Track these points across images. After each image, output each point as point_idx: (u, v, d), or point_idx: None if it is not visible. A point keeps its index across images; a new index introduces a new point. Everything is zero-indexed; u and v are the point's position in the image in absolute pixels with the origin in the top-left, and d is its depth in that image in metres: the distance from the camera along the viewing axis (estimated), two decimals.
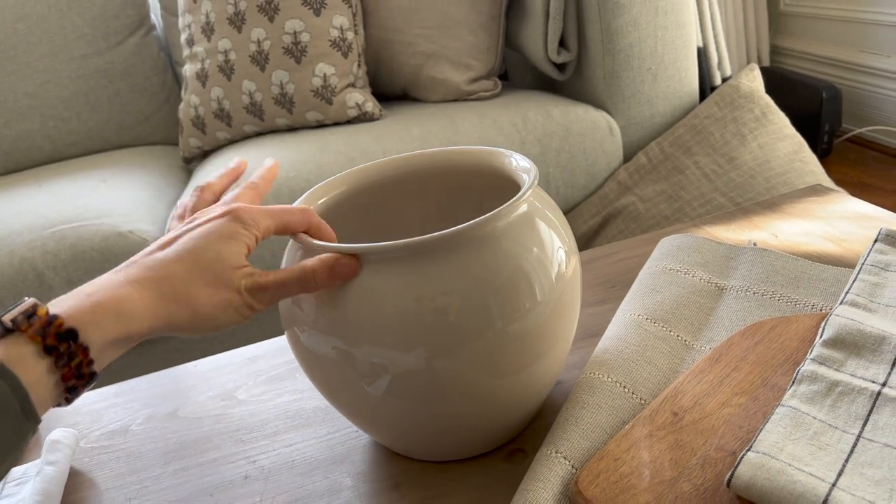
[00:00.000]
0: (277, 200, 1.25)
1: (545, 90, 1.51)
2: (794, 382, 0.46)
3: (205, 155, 1.56)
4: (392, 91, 1.57)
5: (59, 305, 0.35)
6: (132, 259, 0.41)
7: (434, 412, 0.44)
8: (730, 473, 0.39)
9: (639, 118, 1.35)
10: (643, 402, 0.49)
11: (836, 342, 0.48)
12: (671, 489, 0.41)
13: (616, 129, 1.34)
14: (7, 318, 0.33)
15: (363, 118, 1.42)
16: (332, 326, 0.43)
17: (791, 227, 0.73)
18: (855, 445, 0.41)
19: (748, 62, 2.41)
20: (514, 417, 0.48)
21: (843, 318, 0.49)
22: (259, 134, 1.49)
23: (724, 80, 1.50)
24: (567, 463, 0.44)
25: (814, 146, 2.01)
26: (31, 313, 0.34)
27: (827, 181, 1.16)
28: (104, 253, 1.18)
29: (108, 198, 1.32)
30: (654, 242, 0.75)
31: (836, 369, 0.46)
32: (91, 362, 0.35)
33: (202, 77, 1.46)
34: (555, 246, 0.45)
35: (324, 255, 0.42)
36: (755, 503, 0.38)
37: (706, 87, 1.43)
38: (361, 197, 0.56)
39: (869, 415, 0.42)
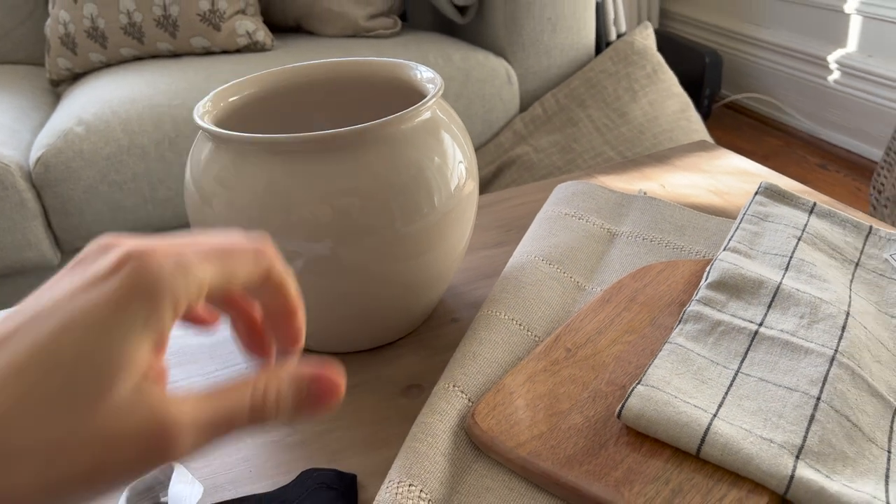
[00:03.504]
0: (159, 130, 1.17)
1: (445, 33, 1.49)
2: (680, 322, 0.48)
3: (75, 77, 1.44)
4: (285, 22, 1.50)
5: None
6: None
7: (340, 293, 0.48)
8: (620, 405, 0.41)
9: (536, 68, 1.36)
10: (538, 339, 0.50)
11: (719, 285, 0.50)
12: (564, 420, 0.42)
13: (514, 78, 1.34)
14: None
15: (254, 48, 1.35)
16: (246, 222, 0.45)
17: (678, 180, 0.76)
18: (734, 379, 0.43)
19: (639, 23, 2.48)
20: (412, 306, 0.52)
21: (726, 263, 0.52)
22: (138, 58, 1.39)
23: (619, 36, 1.54)
24: (464, 396, 0.44)
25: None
26: None
27: (709, 139, 1.22)
28: None
29: None
30: (548, 189, 0.76)
31: (718, 310, 0.48)
32: None
33: None
34: (456, 159, 0.49)
35: (293, 371, 0.26)
36: (643, 433, 0.40)
37: (602, 42, 1.46)
38: (272, 102, 0.57)
39: (747, 352, 0.45)
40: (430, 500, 0.38)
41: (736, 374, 0.43)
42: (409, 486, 0.38)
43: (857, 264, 0.56)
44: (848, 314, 0.48)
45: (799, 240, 0.56)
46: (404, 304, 0.52)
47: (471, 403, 0.44)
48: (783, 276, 0.51)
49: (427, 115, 0.48)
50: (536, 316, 0.52)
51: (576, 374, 0.45)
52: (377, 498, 0.38)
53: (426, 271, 0.50)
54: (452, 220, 0.50)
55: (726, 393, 0.42)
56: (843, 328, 0.46)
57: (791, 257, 0.54)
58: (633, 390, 0.41)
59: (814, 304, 0.48)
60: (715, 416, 0.40)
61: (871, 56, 1.96)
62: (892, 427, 0.42)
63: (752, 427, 0.40)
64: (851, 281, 0.53)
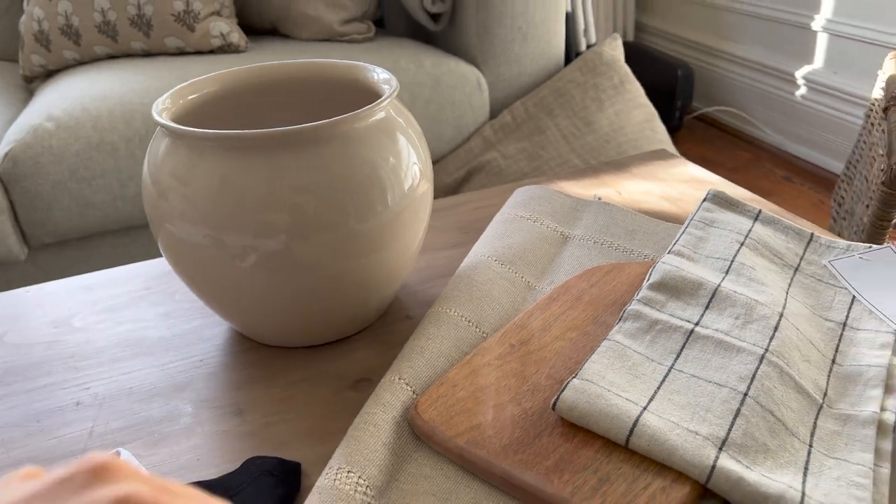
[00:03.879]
0: (130, 128, 1.18)
1: (419, 40, 1.51)
2: (620, 320, 0.50)
3: (49, 74, 1.44)
4: (260, 25, 1.51)
5: None
6: None
7: (293, 288, 0.49)
8: (555, 397, 0.43)
9: (507, 76, 1.38)
10: (486, 335, 0.52)
11: (660, 286, 0.52)
12: (502, 412, 0.43)
13: (484, 85, 1.36)
14: None
15: (227, 49, 1.35)
16: (201, 217, 0.46)
17: (634, 186, 0.78)
18: (667, 375, 0.45)
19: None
20: (365, 302, 0.53)
21: (668, 265, 0.54)
22: (112, 57, 1.39)
23: (589, 47, 1.56)
24: (409, 389, 0.46)
25: (667, 120, 2.14)
26: None
27: (672, 149, 1.24)
28: None
29: None
30: (508, 193, 0.78)
31: (657, 309, 0.50)
32: None
33: None
34: (410, 160, 0.51)
35: None
36: (576, 424, 0.42)
37: (571, 53, 1.48)
38: (231, 101, 0.58)
39: (681, 349, 0.47)
40: (367, 486, 0.39)
41: (669, 371, 0.45)
42: (348, 472, 0.39)
43: (796, 269, 0.58)
44: (781, 316, 0.50)
45: (741, 245, 0.58)
46: (358, 301, 0.53)
47: (416, 396, 0.46)
48: (723, 278, 0.54)
49: (382, 114, 0.50)
50: (486, 313, 0.54)
51: (518, 369, 0.47)
52: (316, 484, 0.39)
53: (379, 269, 0.52)
54: (406, 220, 0.51)
55: (658, 388, 0.44)
56: (776, 329, 0.48)
57: (732, 261, 0.56)
58: (568, 384, 0.43)
59: (749, 305, 0.50)
60: (645, 409, 0.42)
61: (836, 73, 2.01)
62: (815, 423, 0.44)
63: (680, 420, 0.41)
64: (790, 285, 0.56)
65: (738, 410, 0.42)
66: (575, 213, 0.69)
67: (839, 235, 1.22)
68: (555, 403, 0.42)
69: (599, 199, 0.72)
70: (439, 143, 1.34)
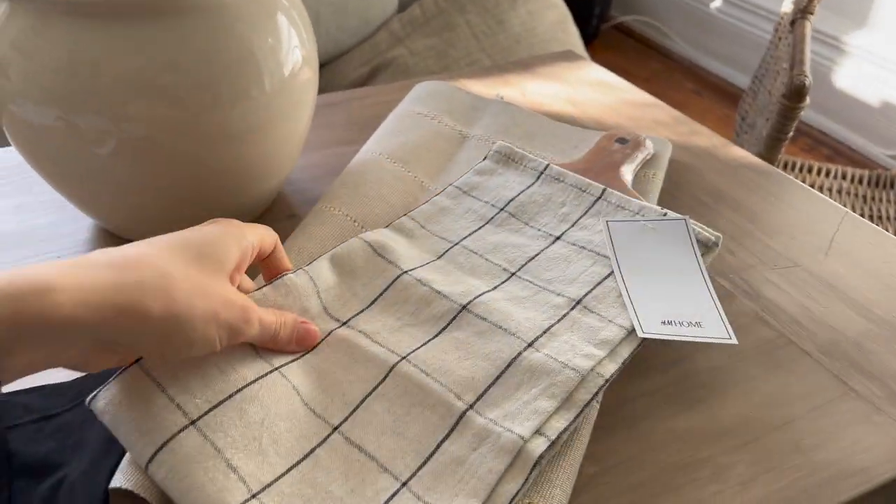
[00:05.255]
0: None
1: None
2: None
3: None
4: None
5: None
6: None
7: (160, 178, 0.45)
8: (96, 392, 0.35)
9: None
10: None
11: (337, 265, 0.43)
12: None
13: None
14: None
15: None
16: (49, 96, 0.41)
17: (538, 88, 0.76)
18: (266, 375, 0.36)
19: None
20: (241, 197, 0.51)
21: (377, 237, 0.45)
22: None
23: None
24: None
25: (584, 28, 2.11)
26: None
27: (582, 51, 1.22)
28: None
29: None
30: (408, 89, 0.74)
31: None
32: None
33: None
34: (291, 43, 0.47)
35: (290, 321, 0.38)
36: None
37: None
38: None
39: (329, 339, 0.39)
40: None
41: (275, 368, 0.37)
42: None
43: (557, 238, 0.47)
44: (464, 308, 0.41)
45: (488, 222, 0.49)
46: (232, 196, 0.49)
47: None
48: (424, 263, 0.45)
49: None
50: (373, 213, 0.51)
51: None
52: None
53: (255, 160, 0.48)
54: (285, 108, 0.47)
55: (239, 390, 0.35)
56: (444, 329, 0.40)
57: (457, 244, 0.47)
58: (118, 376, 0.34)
59: (427, 299, 0.42)
60: (194, 423, 0.33)
61: None
62: (437, 447, 0.34)
63: (234, 453, 0.32)
64: (527, 261, 0.46)
65: (313, 450, 0.34)
66: (475, 112, 0.66)
67: (741, 147, 1.24)
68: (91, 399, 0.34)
69: (502, 98, 0.69)
70: (343, 35, 1.26)
